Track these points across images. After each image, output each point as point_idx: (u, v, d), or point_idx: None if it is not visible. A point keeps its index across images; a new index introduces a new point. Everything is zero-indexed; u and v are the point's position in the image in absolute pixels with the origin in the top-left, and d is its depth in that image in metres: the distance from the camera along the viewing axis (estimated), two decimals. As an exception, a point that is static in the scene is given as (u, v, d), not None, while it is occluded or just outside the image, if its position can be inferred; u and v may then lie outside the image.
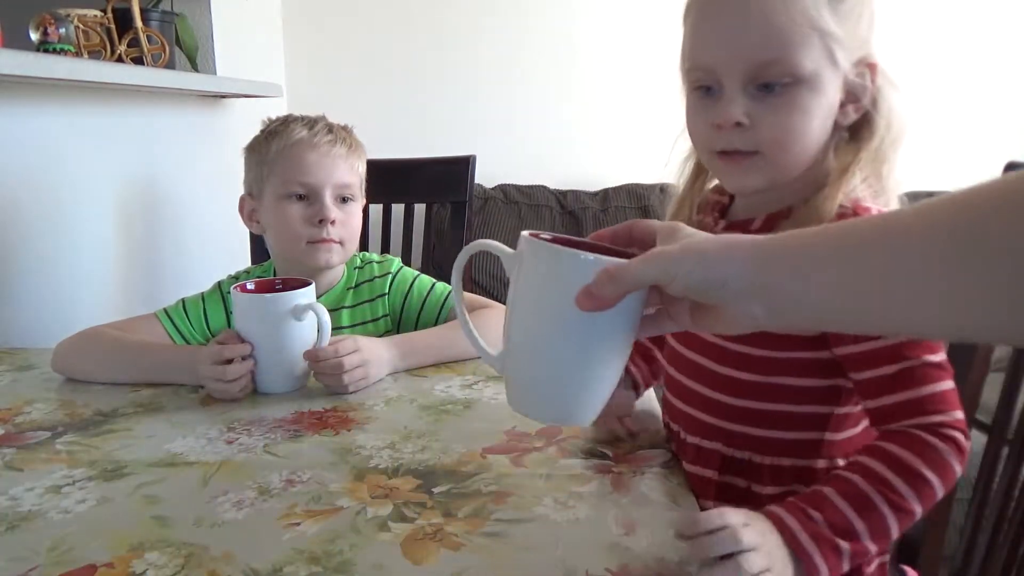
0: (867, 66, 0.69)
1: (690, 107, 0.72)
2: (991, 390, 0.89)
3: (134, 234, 1.61)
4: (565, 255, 0.51)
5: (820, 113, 0.67)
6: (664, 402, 0.84)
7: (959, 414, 0.63)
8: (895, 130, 0.70)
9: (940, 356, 0.65)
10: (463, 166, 1.55)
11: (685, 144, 0.78)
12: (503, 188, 2.27)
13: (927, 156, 2.34)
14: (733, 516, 0.55)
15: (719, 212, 0.79)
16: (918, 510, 0.60)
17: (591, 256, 0.50)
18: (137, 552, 0.60)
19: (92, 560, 0.59)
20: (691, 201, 0.81)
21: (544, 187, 2.28)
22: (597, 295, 0.48)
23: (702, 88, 0.69)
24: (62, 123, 1.39)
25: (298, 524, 0.63)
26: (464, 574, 0.56)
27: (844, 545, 0.57)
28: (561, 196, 2.27)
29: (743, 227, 0.74)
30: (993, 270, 0.39)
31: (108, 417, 0.88)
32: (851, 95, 0.69)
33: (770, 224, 0.72)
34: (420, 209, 1.64)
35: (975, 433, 0.90)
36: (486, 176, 2.15)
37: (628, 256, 0.51)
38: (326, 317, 0.93)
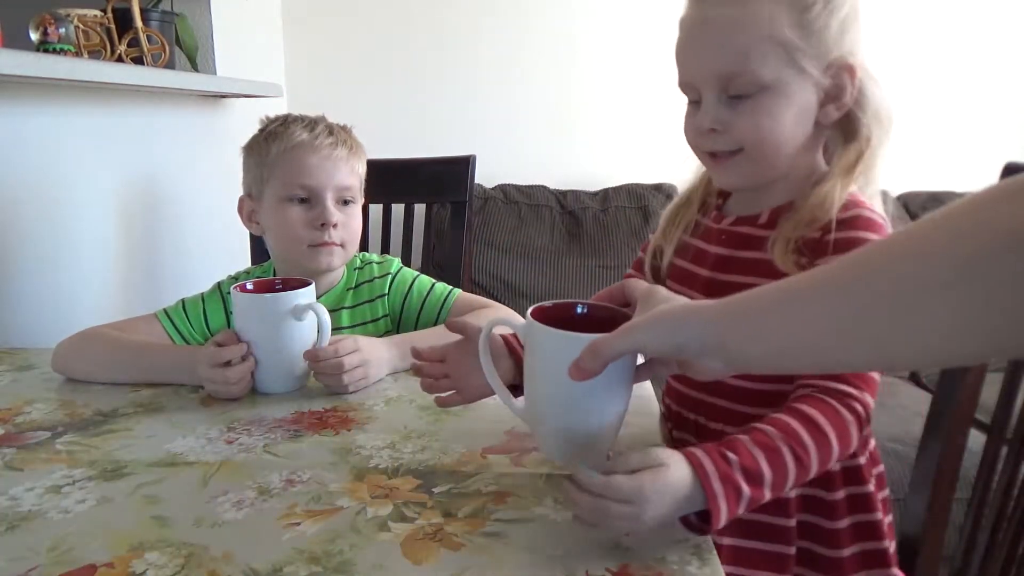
0: (843, 68, 0.73)
1: (686, 113, 0.79)
2: (990, 390, 0.89)
3: (134, 234, 1.61)
4: (554, 337, 0.63)
5: (789, 115, 0.73)
6: (676, 393, 0.85)
7: (870, 398, 0.67)
8: (882, 125, 0.76)
9: None
10: (463, 166, 1.55)
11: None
12: (503, 188, 2.27)
13: (927, 156, 2.35)
14: (626, 481, 0.56)
15: (716, 210, 0.84)
16: (813, 471, 0.63)
17: (574, 336, 0.61)
18: (137, 552, 0.60)
19: (92, 560, 0.59)
20: (697, 197, 0.87)
21: (544, 187, 2.28)
22: (584, 368, 0.58)
23: (689, 100, 0.78)
24: (62, 123, 1.39)
25: (298, 524, 0.64)
26: (464, 574, 0.56)
27: (746, 491, 0.59)
28: (561, 196, 2.27)
29: (751, 221, 0.79)
30: (938, 317, 0.44)
31: (108, 417, 0.88)
32: (829, 96, 0.74)
33: (775, 217, 0.77)
34: (420, 209, 1.64)
35: (975, 433, 0.90)
36: (486, 176, 2.15)
37: (623, 316, 0.65)
38: (326, 317, 0.93)
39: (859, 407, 0.66)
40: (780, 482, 0.61)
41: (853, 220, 0.71)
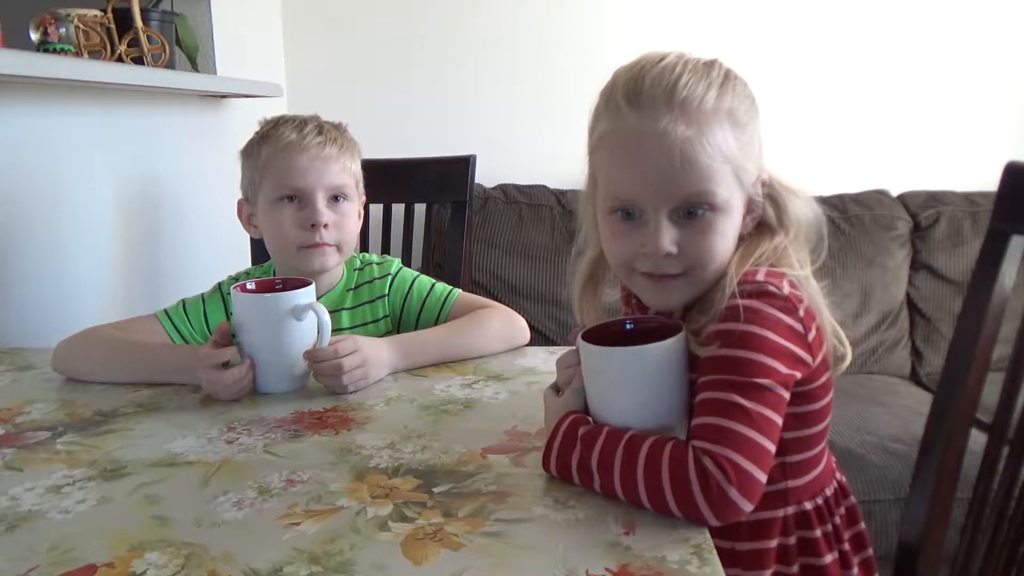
0: (761, 181, 0.75)
1: (611, 230, 0.76)
2: (991, 390, 0.89)
3: (134, 234, 1.61)
4: (597, 354, 0.71)
5: (732, 232, 0.74)
6: None
7: (732, 454, 0.63)
8: (801, 233, 0.76)
9: (758, 406, 0.66)
10: (463, 166, 1.55)
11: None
12: (503, 188, 2.27)
13: (926, 155, 2.35)
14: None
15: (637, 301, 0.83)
16: (643, 498, 0.64)
17: (629, 349, 0.70)
18: (137, 552, 0.60)
19: (92, 560, 0.59)
20: (594, 304, 0.86)
21: (544, 187, 2.28)
22: None
23: (620, 213, 0.74)
24: (62, 123, 1.38)
25: (298, 524, 0.63)
26: (464, 574, 0.56)
27: (574, 462, 0.68)
28: (561, 196, 2.26)
29: (667, 316, 0.78)
30: None
31: (108, 417, 0.88)
32: (748, 208, 0.75)
33: (684, 314, 0.77)
34: (420, 209, 1.64)
35: (975, 433, 0.90)
36: (486, 176, 2.15)
37: (674, 327, 0.71)
38: (326, 317, 0.93)
39: (709, 463, 0.62)
40: (605, 478, 0.66)
41: (739, 293, 0.70)
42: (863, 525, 0.84)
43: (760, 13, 2.28)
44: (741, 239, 0.76)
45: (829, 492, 0.81)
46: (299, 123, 1.08)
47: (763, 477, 0.64)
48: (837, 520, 0.80)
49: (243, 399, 0.92)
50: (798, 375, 0.71)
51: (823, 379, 0.76)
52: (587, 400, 0.74)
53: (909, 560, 0.91)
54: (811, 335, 0.72)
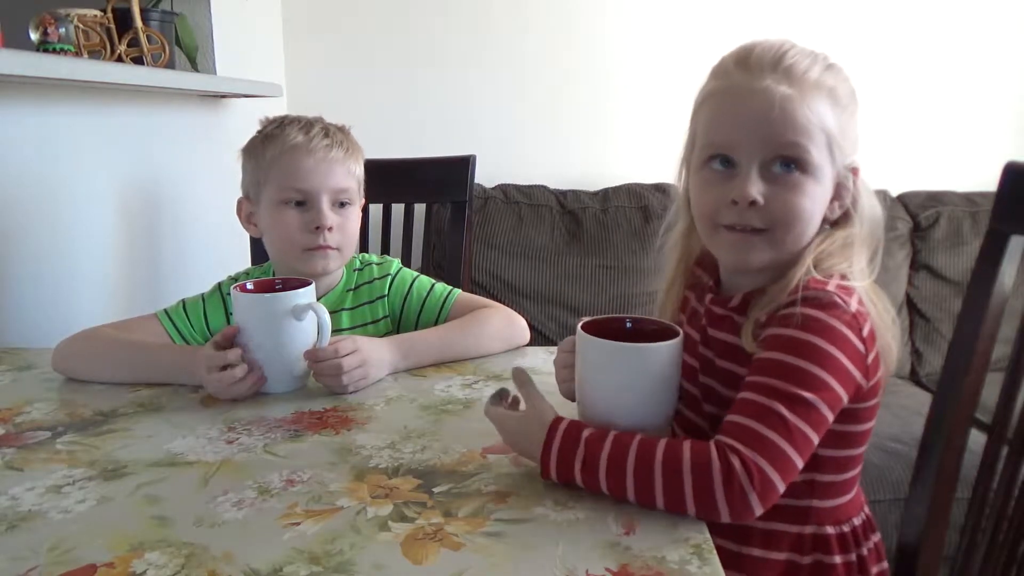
0: (852, 170, 0.76)
1: (702, 181, 0.77)
2: (991, 390, 0.89)
3: (134, 234, 1.61)
4: (597, 346, 0.72)
5: (820, 201, 0.74)
6: (684, 421, 0.86)
7: (761, 460, 0.63)
8: (868, 230, 0.77)
9: (799, 422, 0.66)
10: (463, 166, 1.55)
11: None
12: (503, 188, 2.27)
13: (926, 156, 2.35)
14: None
15: (703, 291, 0.83)
16: (659, 501, 0.64)
17: (633, 345, 0.71)
18: (137, 552, 0.60)
19: (92, 560, 0.59)
20: (679, 286, 0.87)
21: (544, 187, 2.28)
22: None
23: (716, 161, 0.75)
24: (62, 123, 1.38)
25: (298, 524, 0.64)
26: (464, 574, 0.56)
27: (577, 468, 0.67)
28: (561, 196, 2.26)
29: (723, 303, 0.79)
30: None
31: (108, 417, 0.88)
32: (837, 193, 0.76)
33: (747, 301, 0.76)
34: (420, 209, 1.64)
35: (975, 433, 0.90)
36: (486, 176, 2.15)
37: (673, 331, 0.73)
38: (326, 317, 0.93)
39: (736, 462, 0.63)
40: (616, 482, 0.65)
41: (806, 299, 0.70)
42: (886, 564, 0.82)
43: (760, 15, 2.28)
44: (825, 221, 0.77)
45: (857, 522, 0.79)
46: (305, 125, 1.07)
47: (783, 488, 0.65)
48: (864, 552, 0.79)
49: (243, 399, 0.92)
50: (846, 398, 0.70)
51: (872, 402, 0.75)
52: (577, 392, 0.76)
53: (909, 560, 0.91)
54: (871, 357, 0.72)
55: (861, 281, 0.74)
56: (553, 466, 0.68)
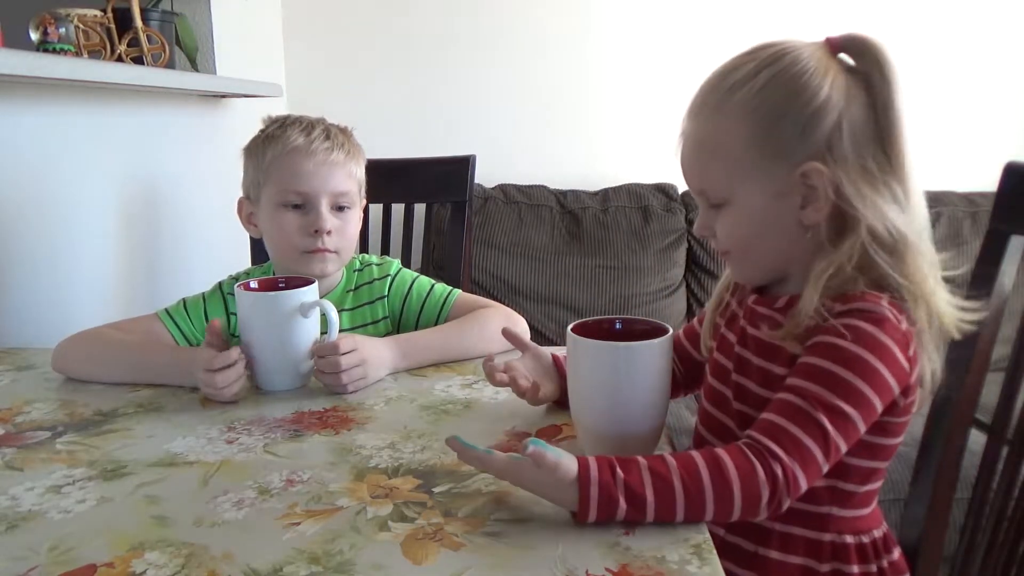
0: (811, 172, 0.70)
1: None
2: (991, 390, 0.89)
3: (134, 234, 1.61)
4: (588, 347, 0.72)
5: (756, 223, 0.74)
6: (707, 417, 0.86)
7: (799, 473, 0.64)
8: (874, 233, 0.70)
9: (837, 434, 0.66)
10: (463, 166, 1.55)
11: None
12: (503, 188, 2.27)
13: (927, 156, 2.35)
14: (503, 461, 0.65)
15: (745, 292, 0.84)
16: (709, 510, 0.63)
17: (613, 344, 0.71)
18: (137, 552, 0.60)
19: (92, 560, 0.59)
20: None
21: (544, 187, 2.28)
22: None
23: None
24: (62, 123, 1.38)
25: (298, 524, 0.64)
26: (464, 574, 0.56)
27: (622, 506, 0.61)
28: (561, 196, 2.26)
29: (768, 303, 0.78)
30: None
31: (108, 417, 0.88)
32: (806, 199, 0.72)
33: (791, 303, 0.75)
34: (420, 209, 1.64)
35: (975, 433, 0.90)
36: (486, 176, 2.15)
37: (661, 330, 0.73)
38: (334, 315, 0.94)
39: (779, 470, 0.63)
40: (665, 510, 0.62)
41: (860, 311, 0.69)
42: (896, 553, 0.81)
43: (757, 16, 2.28)
44: (811, 227, 0.73)
45: (878, 534, 0.79)
46: (307, 126, 1.07)
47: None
48: (884, 564, 0.78)
49: (243, 399, 0.92)
50: (880, 413, 0.69)
51: (905, 419, 0.75)
52: (570, 394, 0.76)
53: (909, 560, 0.91)
54: (913, 376, 0.71)
55: (911, 295, 0.71)
56: (593, 511, 0.62)
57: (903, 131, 0.71)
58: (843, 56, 0.74)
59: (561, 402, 0.85)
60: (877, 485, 0.79)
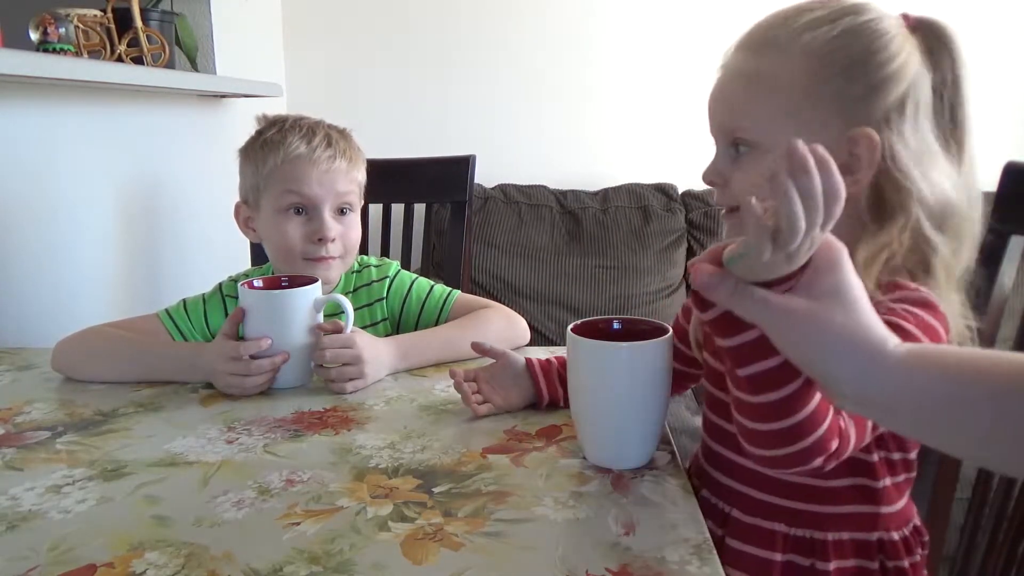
0: (861, 139, 0.66)
1: None
2: (991, 390, 0.89)
3: (134, 234, 1.61)
4: (589, 347, 0.72)
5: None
6: (708, 477, 0.82)
7: (851, 445, 0.62)
8: (929, 211, 0.66)
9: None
10: (463, 166, 1.55)
11: None
12: (503, 188, 2.27)
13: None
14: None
15: None
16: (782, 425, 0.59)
17: (613, 344, 0.71)
18: (137, 552, 0.60)
19: (92, 560, 0.59)
20: None
21: (544, 187, 2.28)
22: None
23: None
24: (62, 123, 1.39)
25: (298, 524, 0.64)
26: (464, 574, 0.56)
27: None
28: (561, 196, 2.27)
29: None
30: None
31: (108, 417, 0.88)
32: (845, 168, 0.64)
33: None
34: (420, 209, 1.64)
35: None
36: (486, 176, 2.15)
37: (661, 330, 0.72)
38: (350, 308, 0.95)
39: (843, 422, 0.61)
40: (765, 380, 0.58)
41: (908, 297, 0.65)
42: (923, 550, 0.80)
43: (755, 15, 2.28)
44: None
45: (916, 523, 0.78)
46: (307, 132, 1.05)
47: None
48: (917, 558, 0.77)
49: (242, 399, 0.92)
50: None
51: None
52: (570, 394, 0.76)
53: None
54: None
55: (945, 286, 0.68)
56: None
57: (969, 124, 0.69)
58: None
59: (561, 402, 0.85)
60: (913, 474, 0.77)
